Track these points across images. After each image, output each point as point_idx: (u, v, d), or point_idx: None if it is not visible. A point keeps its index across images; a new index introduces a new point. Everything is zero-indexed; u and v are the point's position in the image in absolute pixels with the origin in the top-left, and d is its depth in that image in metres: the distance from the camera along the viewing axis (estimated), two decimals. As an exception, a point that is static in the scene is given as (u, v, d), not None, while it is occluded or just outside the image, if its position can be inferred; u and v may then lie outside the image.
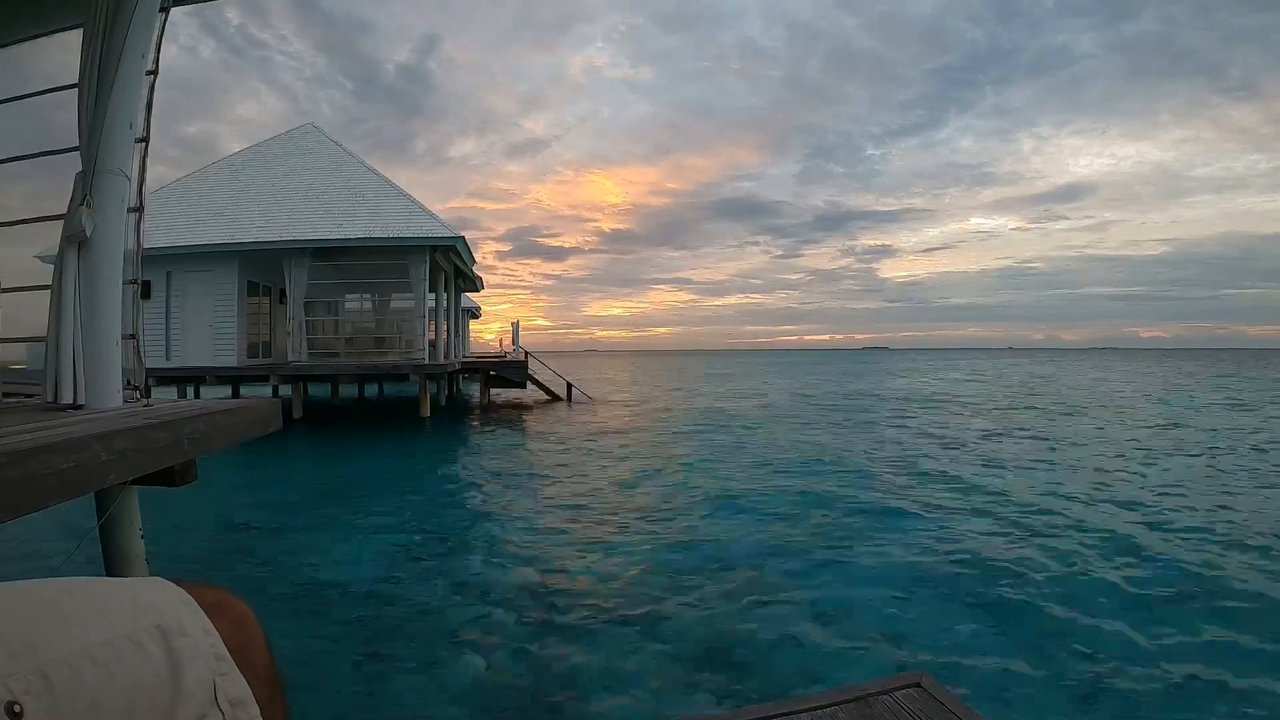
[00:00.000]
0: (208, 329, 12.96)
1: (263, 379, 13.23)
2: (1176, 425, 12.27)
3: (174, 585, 0.53)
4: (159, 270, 12.51)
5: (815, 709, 1.12)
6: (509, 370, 17.79)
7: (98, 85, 1.95)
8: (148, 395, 2.29)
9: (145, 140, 2.18)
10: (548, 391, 19.16)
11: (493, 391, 18.50)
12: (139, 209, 2.17)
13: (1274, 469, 7.75)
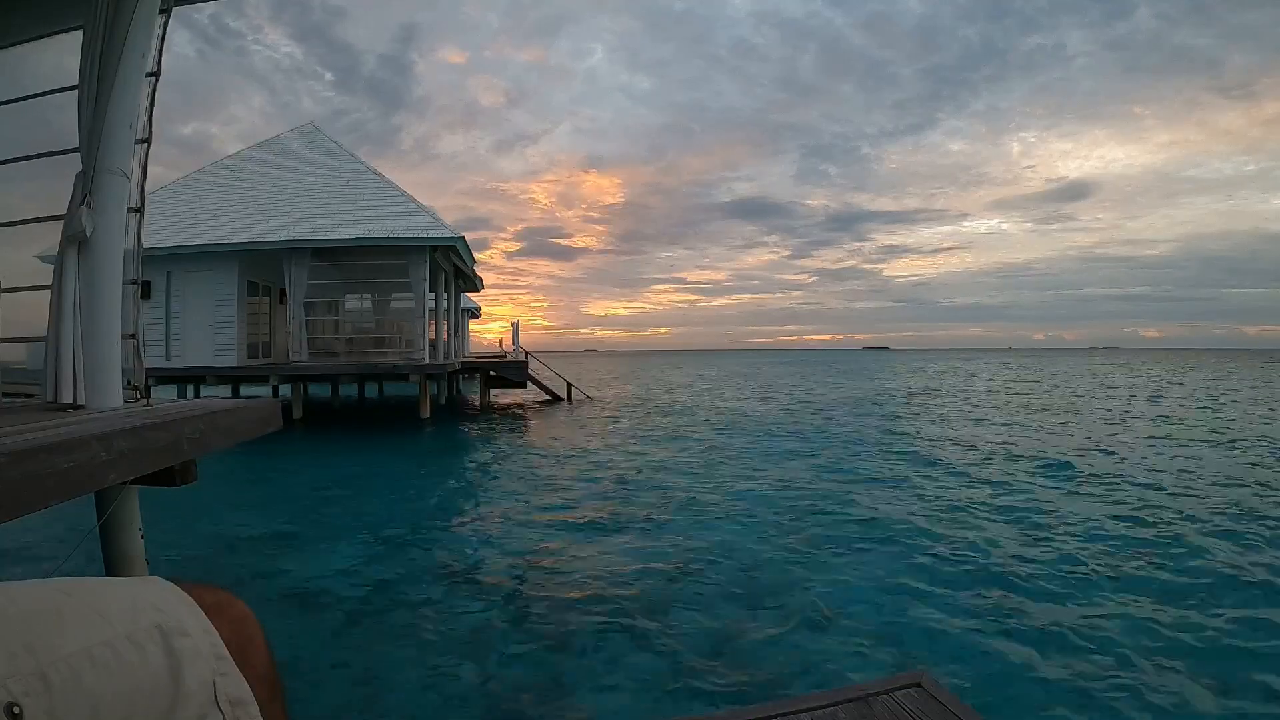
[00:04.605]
0: (208, 329, 12.95)
1: (263, 379, 13.23)
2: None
3: (173, 585, 0.53)
4: (159, 270, 12.51)
5: (815, 709, 1.12)
6: (509, 370, 17.79)
7: (98, 86, 1.95)
8: (148, 395, 2.29)
9: (146, 141, 2.18)
10: (547, 391, 19.16)
11: (493, 391, 18.50)
12: (139, 209, 2.17)
13: None
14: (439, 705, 2.65)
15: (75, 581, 0.48)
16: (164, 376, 12.71)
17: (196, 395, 13.86)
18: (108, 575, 1.80)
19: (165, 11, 2.21)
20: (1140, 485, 6.77)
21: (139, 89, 2.08)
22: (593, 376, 33.31)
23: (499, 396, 19.70)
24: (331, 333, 14.26)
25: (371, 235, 12.87)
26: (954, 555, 4.47)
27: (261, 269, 13.85)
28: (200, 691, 0.47)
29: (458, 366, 16.36)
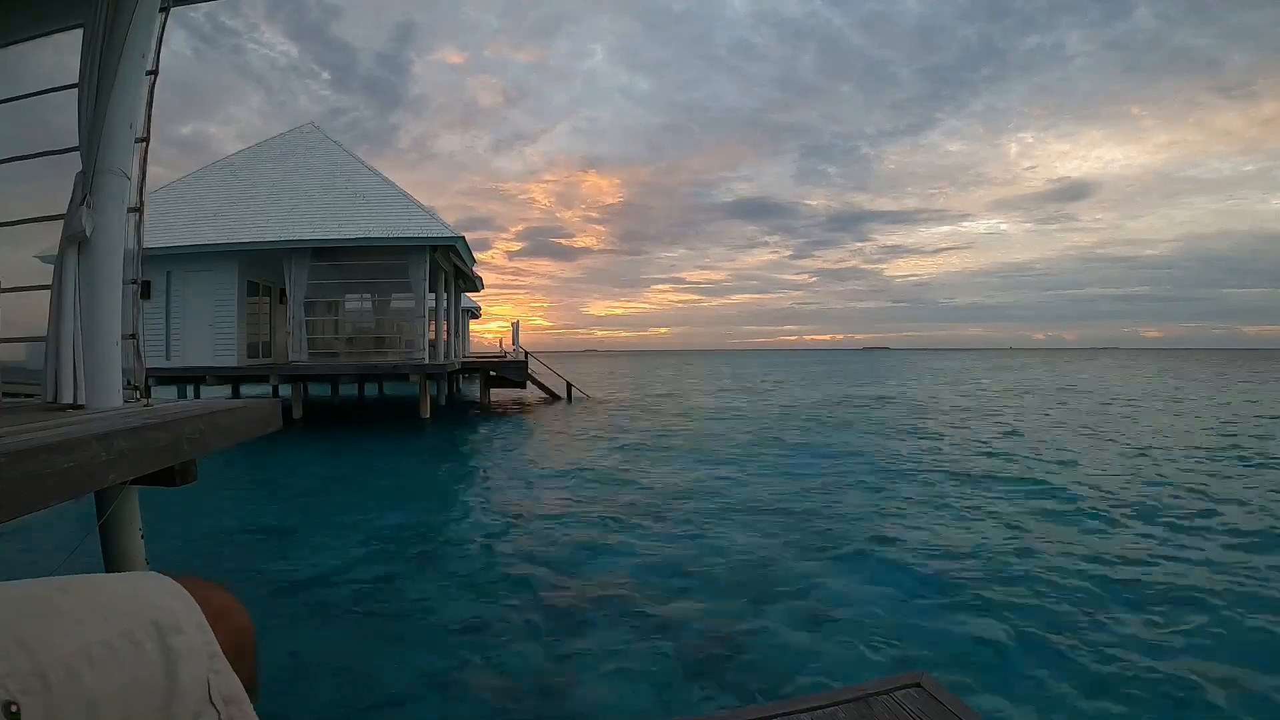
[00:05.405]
0: (208, 329, 12.96)
1: (263, 379, 13.23)
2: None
3: (170, 580, 0.53)
4: (159, 270, 12.51)
5: (815, 709, 1.12)
6: (509, 370, 17.79)
7: (98, 85, 1.95)
8: (148, 395, 2.29)
9: (145, 140, 2.18)
10: (547, 391, 19.16)
11: (493, 391, 18.51)
12: (139, 209, 2.17)
13: None
14: (438, 703, 2.65)
15: (71, 579, 0.48)
16: (164, 376, 12.71)
17: (196, 395, 13.86)
18: (107, 575, 1.79)
19: (164, 10, 2.21)
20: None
21: (139, 88, 2.08)
22: (593, 380, 33.28)
23: (499, 396, 19.69)
24: (331, 333, 14.26)
25: (371, 235, 12.87)
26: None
27: (261, 269, 13.85)
28: (195, 688, 0.47)
29: (458, 366, 16.36)
